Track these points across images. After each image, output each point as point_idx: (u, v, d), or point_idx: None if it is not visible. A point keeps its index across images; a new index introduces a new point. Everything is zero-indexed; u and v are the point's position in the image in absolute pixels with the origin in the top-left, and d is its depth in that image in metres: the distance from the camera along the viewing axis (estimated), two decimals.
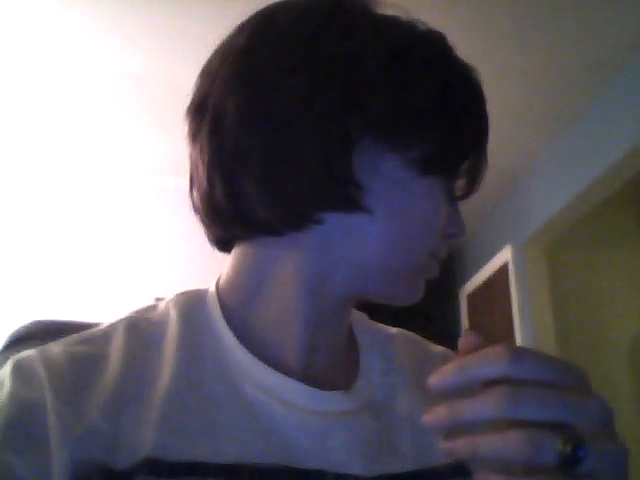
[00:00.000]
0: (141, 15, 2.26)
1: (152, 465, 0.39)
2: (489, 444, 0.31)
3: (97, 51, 2.49)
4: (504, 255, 3.42)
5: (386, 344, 0.56)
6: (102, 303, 3.02)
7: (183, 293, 0.53)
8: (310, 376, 0.48)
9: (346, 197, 0.45)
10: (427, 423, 0.33)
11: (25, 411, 0.40)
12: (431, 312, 4.87)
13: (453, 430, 0.33)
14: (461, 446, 0.32)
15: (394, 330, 0.60)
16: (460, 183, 0.51)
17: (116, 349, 0.46)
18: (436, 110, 0.46)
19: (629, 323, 3.22)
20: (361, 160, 0.45)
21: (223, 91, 0.46)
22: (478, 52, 2.29)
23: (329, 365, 0.51)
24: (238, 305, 0.50)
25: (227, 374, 0.46)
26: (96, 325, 0.51)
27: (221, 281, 0.53)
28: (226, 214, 0.47)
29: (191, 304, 0.51)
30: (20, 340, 0.56)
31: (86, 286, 3.17)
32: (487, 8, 2.18)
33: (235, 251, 0.51)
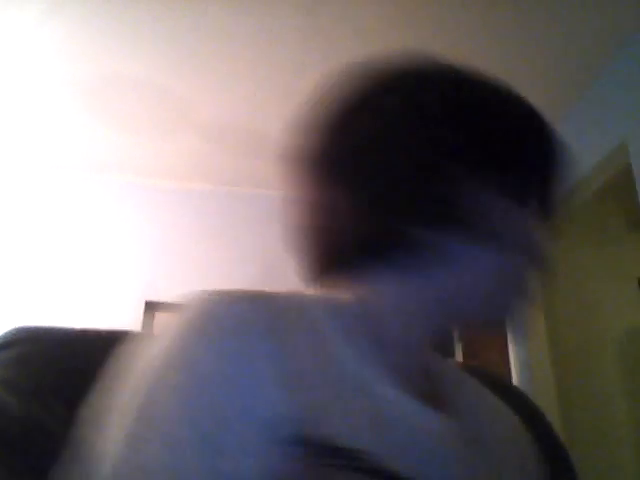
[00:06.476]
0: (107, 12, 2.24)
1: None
2: None
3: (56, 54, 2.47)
4: None
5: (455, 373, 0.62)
6: (73, 308, 2.98)
7: (332, 299, 0.54)
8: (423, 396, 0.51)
9: (440, 212, 0.49)
10: None
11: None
12: None
13: None
14: None
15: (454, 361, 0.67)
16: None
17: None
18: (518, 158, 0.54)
19: (619, 319, 3.24)
20: (462, 191, 0.50)
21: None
22: (465, 50, 2.29)
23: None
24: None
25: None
26: (80, 330, 0.49)
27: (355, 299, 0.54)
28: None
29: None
30: (3, 347, 0.55)
31: (61, 290, 3.11)
32: (475, 6, 2.18)
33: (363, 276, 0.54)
